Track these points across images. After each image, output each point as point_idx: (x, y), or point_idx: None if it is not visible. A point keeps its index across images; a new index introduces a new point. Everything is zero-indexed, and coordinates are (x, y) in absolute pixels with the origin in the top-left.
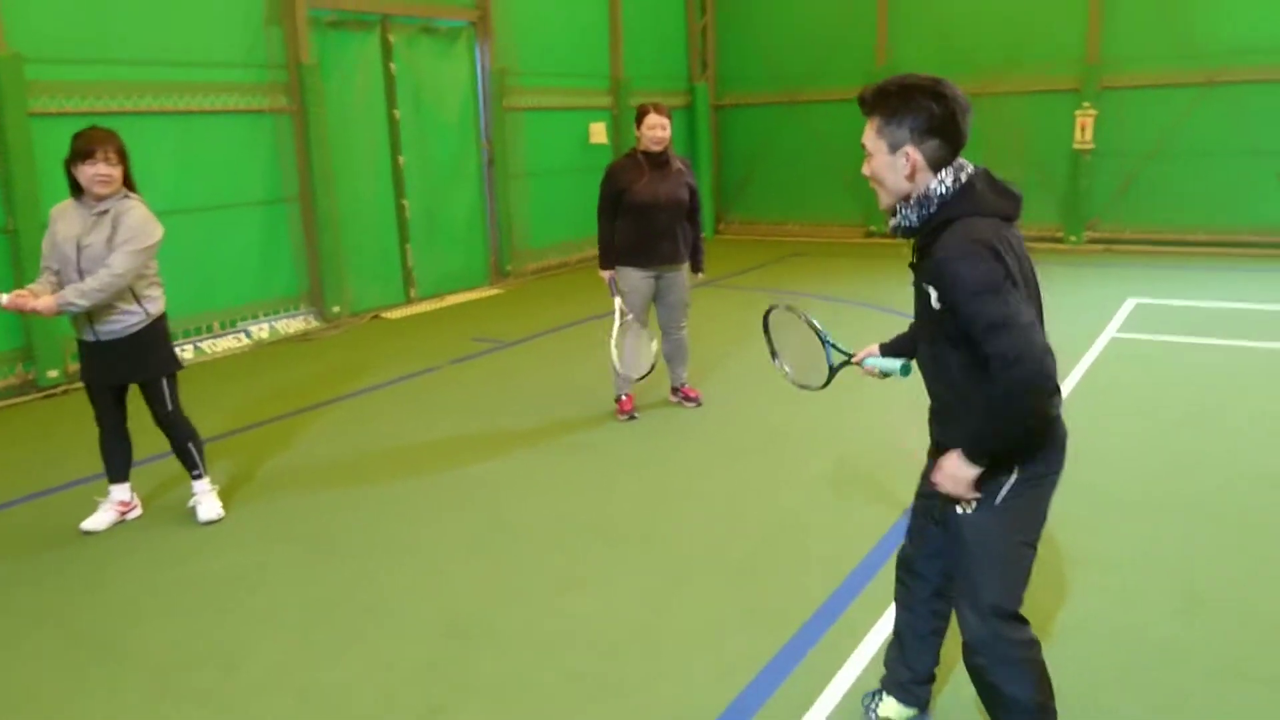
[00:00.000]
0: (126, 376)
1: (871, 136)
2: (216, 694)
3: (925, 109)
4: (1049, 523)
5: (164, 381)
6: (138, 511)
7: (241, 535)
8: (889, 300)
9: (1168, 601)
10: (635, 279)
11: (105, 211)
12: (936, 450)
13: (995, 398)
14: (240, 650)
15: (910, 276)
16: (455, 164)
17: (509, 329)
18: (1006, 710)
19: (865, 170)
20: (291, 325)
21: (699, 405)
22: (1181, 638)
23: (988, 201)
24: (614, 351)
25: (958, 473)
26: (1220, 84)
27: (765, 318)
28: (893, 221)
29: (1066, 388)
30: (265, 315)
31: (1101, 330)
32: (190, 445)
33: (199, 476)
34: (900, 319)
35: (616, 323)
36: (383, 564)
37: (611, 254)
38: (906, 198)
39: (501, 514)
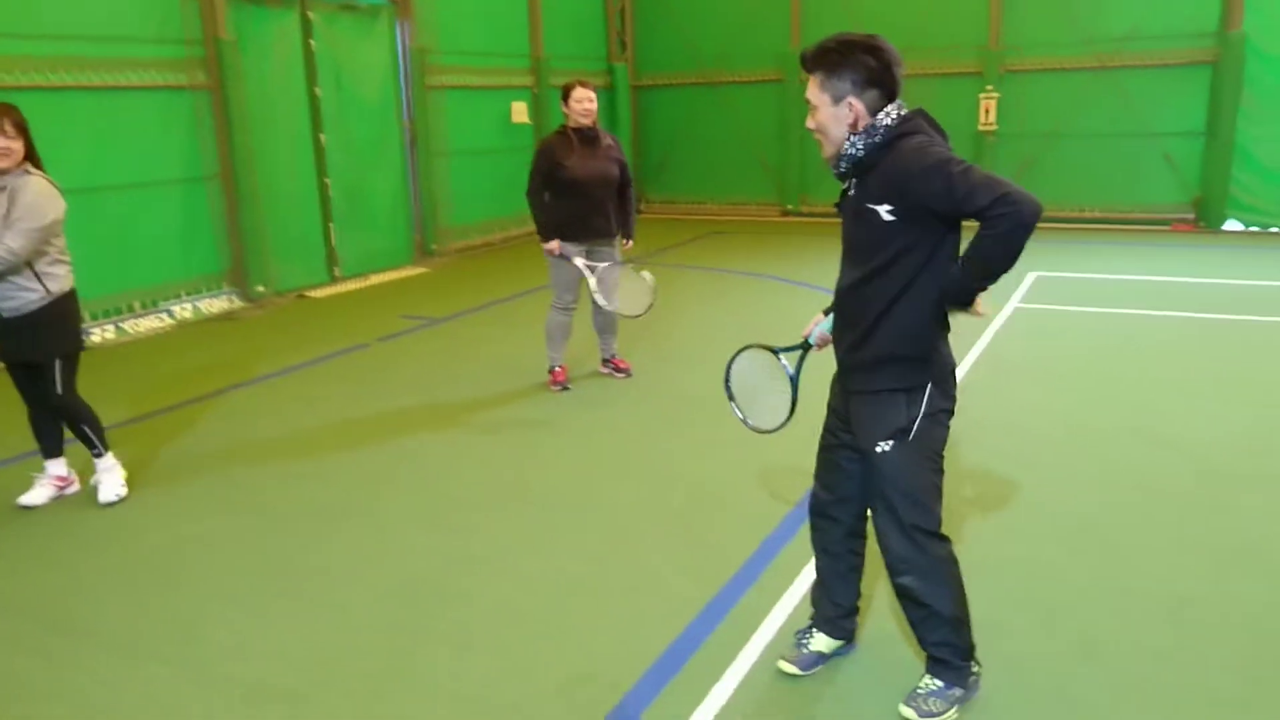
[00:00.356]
0: (23, 355)
1: (815, 91)
2: (182, 657)
3: (863, 63)
4: (964, 476)
5: (56, 364)
6: (76, 487)
7: (181, 509)
8: (807, 275)
9: (1057, 537)
10: (568, 253)
11: (3, 188)
12: (844, 392)
13: (1005, 236)
14: (198, 616)
15: (840, 223)
16: (377, 143)
17: (437, 306)
18: (930, 624)
19: (810, 123)
20: (214, 305)
21: (629, 376)
22: (1066, 565)
23: (925, 130)
24: (602, 300)
25: (974, 304)
26: (1111, 69)
27: (726, 384)
28: (836, 162)
29: (973, 356)
30: (187, 295)
31: (1006, 301)
32: (83, 427)
33: (99, 455)
34: (818, 293)
35: (589, 277)
36: (328, 534)
37: (550, 226)
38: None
39: (440, 484)
